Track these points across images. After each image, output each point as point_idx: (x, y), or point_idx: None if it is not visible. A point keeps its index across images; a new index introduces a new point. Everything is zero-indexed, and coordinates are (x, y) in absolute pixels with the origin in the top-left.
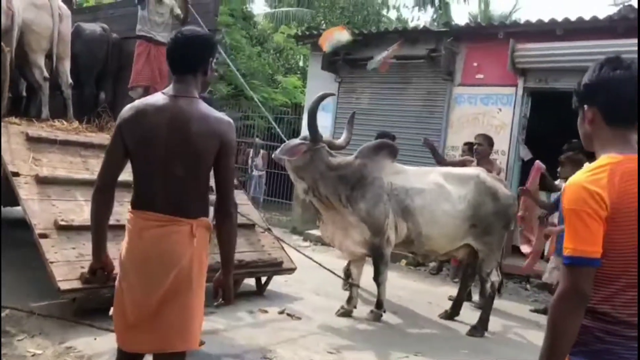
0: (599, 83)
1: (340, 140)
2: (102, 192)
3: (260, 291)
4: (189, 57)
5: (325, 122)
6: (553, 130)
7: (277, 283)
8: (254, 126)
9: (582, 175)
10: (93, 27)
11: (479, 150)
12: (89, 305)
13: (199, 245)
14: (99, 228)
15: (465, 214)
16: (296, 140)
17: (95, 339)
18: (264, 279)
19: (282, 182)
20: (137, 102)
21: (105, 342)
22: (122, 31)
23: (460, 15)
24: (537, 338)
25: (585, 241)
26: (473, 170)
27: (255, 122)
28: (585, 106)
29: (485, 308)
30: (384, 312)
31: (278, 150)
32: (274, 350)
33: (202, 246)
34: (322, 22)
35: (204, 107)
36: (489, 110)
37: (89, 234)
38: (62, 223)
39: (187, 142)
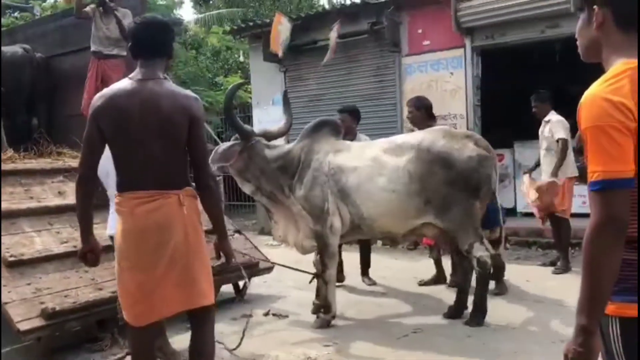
0: None
1: (279, 126)
2: (85, 181)
3: (240, 296)
4: (156, 42)
5: (275, 116)
6: (507, 87)
7: (256, 285)
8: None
9: (599, 87)
10: (13, 49)
11: (410, 118)
12: (56, 344)
13: (189, 213)
14: (85, 214)
15: (409, 188)
16: (226, 143)
17: None
18: (241, 283)
19: None
20: (107, 90)
21: None
22: (47, 50)
23: None
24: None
25: (616, 160)
26: (418, 134)
27: (204, 129)
28: (595, 7)
29: (477, 291)
30: (334, 317)
31: (210, 158)
32: (267, 354)
33: (192, 213)
34: (254, 17)
35: (172, 86)
36: (441, 76)
37: (44, 265)
38: (12, 259)
39: (161, 120)
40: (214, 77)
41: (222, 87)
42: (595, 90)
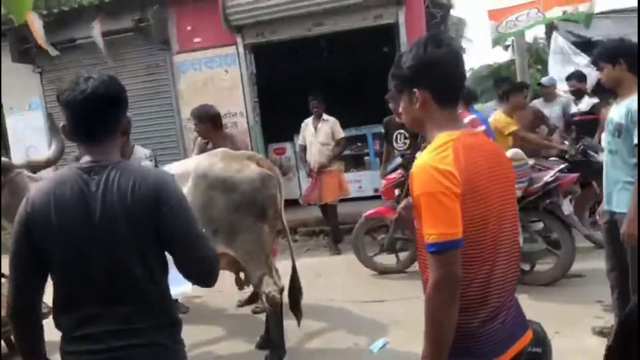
0: (428, 64)
1: (48, 154)
2: None
3: (15, 350)
4: None
5: (34, 122)
6: (283, 81)
7: None
8: None
9: (428, 157)
10: None
11: (197, 131)
12: None
13: None
14: None
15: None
16: None
17: None
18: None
19: None
20: None
21: None
22: None
23: None
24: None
25: (448, 223)
26: (196, 160)
27: None
28: (415, 90)
29: (273, 329)
30: None
31: None
32: None
33: None
34: None
35: None
36: (216, 74)
37: None
38: None
39: None
40: None
41: None
42: (424, 159)
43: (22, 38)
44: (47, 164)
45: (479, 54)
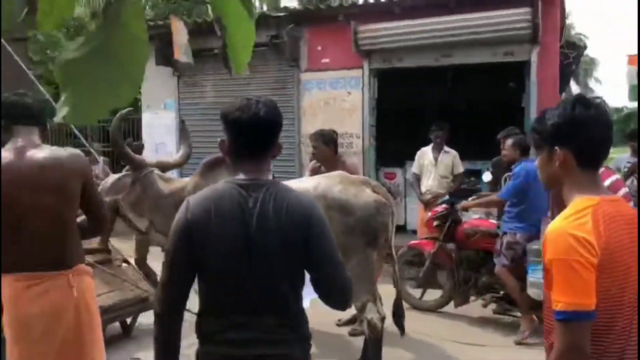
0: (573, 124)
1: (176, 157)
2: None
3: (127, 332)
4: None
5: (167, 120)
6: (401, 107)
7: (146, 317)
8: (85, 127)
9: (564, 221)
10: None
11: (315, 153)
12: None
13: (80, 295)
14: None
15: None
16: (115, 175)
17: None
18: (129, 319)
19: None
20: None
21: None
22: None
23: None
24: None
25: (580, 293)
26: (314, 179)
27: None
28: (557, 148)
29: (371, 356)
30: None
31: (100, 189)
32: None
33: (84, 295)
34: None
35: (54, 150)
36: (338, 95)
37: None
38: None
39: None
40: None
41: None
42: (560, 224)
43: (166, 43)
44: (174, 166)
45: (608, 95)
